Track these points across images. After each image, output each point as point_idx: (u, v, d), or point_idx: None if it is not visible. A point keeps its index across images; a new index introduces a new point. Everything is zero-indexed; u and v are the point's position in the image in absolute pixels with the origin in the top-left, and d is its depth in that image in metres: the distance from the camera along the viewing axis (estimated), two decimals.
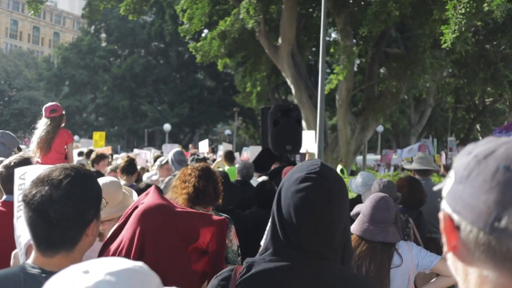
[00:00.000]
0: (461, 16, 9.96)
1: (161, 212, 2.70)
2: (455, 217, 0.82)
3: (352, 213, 3.48)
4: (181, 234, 2.67)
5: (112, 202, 2.92)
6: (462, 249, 0.82)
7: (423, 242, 4.08)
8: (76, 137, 25.98)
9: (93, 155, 6.82)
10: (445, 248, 0.86)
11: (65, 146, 6.13)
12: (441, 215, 0.86)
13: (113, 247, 2.73)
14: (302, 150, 12.06)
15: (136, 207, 2.77)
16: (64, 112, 6.21)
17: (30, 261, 1.63)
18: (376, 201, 3.11)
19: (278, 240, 1.56)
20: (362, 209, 3.19)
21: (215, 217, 2.79)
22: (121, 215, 2.85)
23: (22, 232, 2.07)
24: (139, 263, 0.96)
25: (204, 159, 9.77)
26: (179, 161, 6.54)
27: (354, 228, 3.16)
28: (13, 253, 2.10)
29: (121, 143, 44.88)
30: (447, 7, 10.25)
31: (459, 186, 0.82)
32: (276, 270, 1.53)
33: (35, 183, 1.58)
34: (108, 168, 6.92)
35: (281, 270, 1.53)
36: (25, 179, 2.13)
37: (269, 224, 1.64)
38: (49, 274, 1.37)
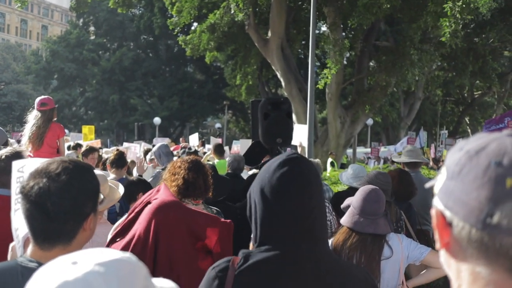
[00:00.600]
0: (459, 9, 10.07)
1: (174, 208, 2.80)
2: (447, 213, 0.81)
3: (342, 205, 3.50)
4: (191, 231, 2.75)
5: None
6: (455, 246, 0.81)
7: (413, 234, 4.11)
8: (65, 131, 25.79)
9: (83, 148, 6.79)
10: (437, 245, 0.86)
11: (57, 140, 6.11)
12: (433, 212, 0.85)
13: (126, 239, 2.77)
14: (295, 143, 12.12)
15: (148, 203, 2.82)
16: (56, 106, 6.17)
17: (27, 254, 1.62)
18: (367, 193, 3.13)
19: (268, 230, 1.57)
20: (353, 201, 3.21)
21: (222, 220, 2.85)
22: (107, 209, 2.91)
23: (20, 225, 2.06)
24: (127, 254, 0.95)
25: (196, 152, 9.76)
26: (167, 153, 6.52)
27: (345, 220, 3.17)
28: (10, 245, 2.09)
29: (111, 137, 44.65)
30: None
31: (451, 182, 0.81)
32: (273, 259, 1.55)
33: (33, 175, 1.57)
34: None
35: (277, 259, 1.54)
36: (23, 171, 2.12)
37: (254, 215, 1.63)
38: None
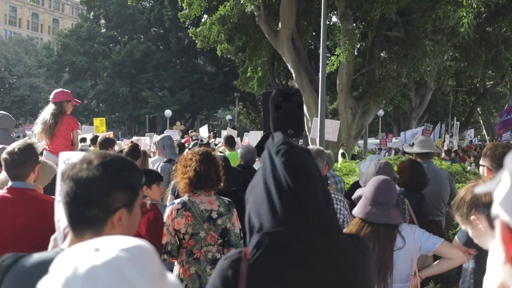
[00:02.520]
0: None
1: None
2: None
3: (353, 196, 3.51)
4: None
5: None
6: None
7: (425, 225, 4.10)
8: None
9: (99, 139, 6.61)
10: (502, 259, 0.78)
11: (71, 133, 6.16)
12: (497, 223, 0.79)
13: None
14: (312, 136, 12.10)
15: None
16: (71, 99, 6.19)
17: (65, 245, 1.65)
18: (378, 184, 3.13)
19: (277, 219, 1.57)
20: (364, 192, 3.21)
21: (143, 208, 2.83)
22: None
23: (61, 216, 2.10)
24: (143, 241, 0.97)
25: (208, 144, 9.78)
26: (170, 145, 6.52)
27: (357, 211, 3.18)
28: (52, 237, 2.12)
29: (122, 130, 44.84)
30: None
31: None
32: (285, 247, 1.56)
33: (70, 166, 1.60)
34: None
35: (290, 247, 1.56)
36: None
37: (259, 202, 1.63)
38: None
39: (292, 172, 1.58)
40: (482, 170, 3.86)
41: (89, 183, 1.54)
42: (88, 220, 1.57)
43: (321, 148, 4.44)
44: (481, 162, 3.86)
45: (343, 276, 1.61)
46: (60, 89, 6.33)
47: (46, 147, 5.91)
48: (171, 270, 3.64)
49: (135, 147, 5.58)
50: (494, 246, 2.15)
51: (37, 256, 1.65)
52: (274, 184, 1.58)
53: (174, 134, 17.79)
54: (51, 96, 6.09)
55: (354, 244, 1.69)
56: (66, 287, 0.85)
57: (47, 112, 6.04)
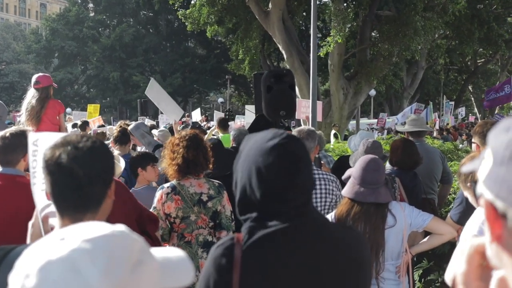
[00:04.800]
0: None
1: None
2: (499, 203, 0.72)
3: (343, 177, 3.50)
4: None
5: None
6: (509, 239, 0.73)
7: (418, 203, 4.10)
8: (68, 110, 25.76)
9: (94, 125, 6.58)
10: (487, 237, 0.77)
11: (57, 116, 6.10)
12: (482, 202, 0.77)
13: None
14: (302, 117, 12.01)
15: None
16: (52, 84, 6.12)
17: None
18: (366, 163, 3.13)
19: (267, 202, 1.56)
20: (353, 172, 3.21)
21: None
22: None
23: (38, 199, 2.06)
24: (120, 228, 0.91)
25: (199, 127, 9.74)
26: (148, 132, 6.41)
27: (346, 191, 3.18)
28: (30, 223, 2.08)
29: (114, 114, 44.67)
30: None
31: (501, 169, 0.72)
32: (278, 232, 1.54)
33: (56, 146, 1.56)
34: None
35: (282, 232, 1.54)
36: (37, 145, 2.10)
37: (246, 193, 1.61)
38: None
39: (285, 164, 1.57)
40: (473, 147, 3.87)
41: (89, 161, 1.54)
42: (92, 197, 1.56)
43: (312, 128, 4.41)
44: (473, 139, 3.87)
45: (337, 261, 1.60)
46: (42, 74, 6.25)
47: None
48: None
49: (124, 132, 5.54)
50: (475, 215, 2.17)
51: (21, 249, 1.59)
52: (268, 174, 1.55)
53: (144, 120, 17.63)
54: (35, 81, 5.98)
55: (346, 231, 1.69)
56: (23, 283, 0.81)
57: (31, 98, 5.95)
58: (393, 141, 5.21)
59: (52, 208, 1.64)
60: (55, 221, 1.64)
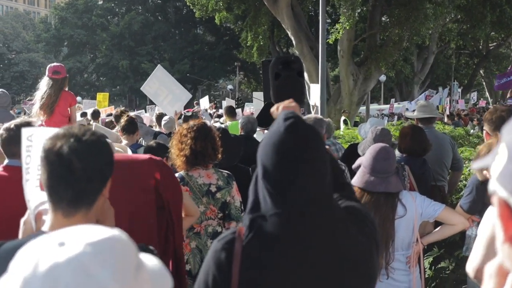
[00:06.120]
0: None
1: None
2: None
3: (354, 166, 3.46)
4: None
5: None
6: None
7: (427, 190, 4.06)
8: (78, 98, 25.82)
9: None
10: (499, 238, 0.73)
11: (69, 108, 6.08)
12: (495, 199, 0.73)
13: None
14: (311, 103, 11.90)
15: None
16: (67, 75, 6.11)
17: (46, 227, 1.56)
18: (376, 152, 3.08)
19: (271, 195, 1.52)
20: (363, 161, 3.17)
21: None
22: None
23: (31, 196, 2.03)
24: (116, 231, 0.90)
25: (193, 116, 9.64)
26: (141, 122, 6.44)
27: (356, 180, 3.14)
28: (22, 220, 2.06)
29: (123, 103, 44.77)
30: None
31: None
32: (279, 227, 1.51)
33: (58, 137, 1.52)
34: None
35: (284, 226, 1.51)
36: (32, 140, 2.07)
37: (256, 181, 1.59)
38: None
39: (293, 158, 1.51)
40: (484, 134, 3.83)
41: (89, 155, 1.51)
42: (87, 193, 1.53)
43: (320, 116, 4.38)
44: (484, 127, 3.83)
45: (338, 259, 1.56)
46: (59, 64, 6.20)
47: (43, 124, 5.84)
48: None
49: (131, 121, 5.51)
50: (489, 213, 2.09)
51: (10, 244, 1.58)
52: (275, 166, 1.51)
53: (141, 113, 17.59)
54: (55, 71, 5.91)
55: (354, 224, 1.63)
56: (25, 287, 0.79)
57: (48, 88, 5.90)
58: (402, 128, 5.15)
59: (46, 206, 1.61)
60: (48, 218, 1.61)
